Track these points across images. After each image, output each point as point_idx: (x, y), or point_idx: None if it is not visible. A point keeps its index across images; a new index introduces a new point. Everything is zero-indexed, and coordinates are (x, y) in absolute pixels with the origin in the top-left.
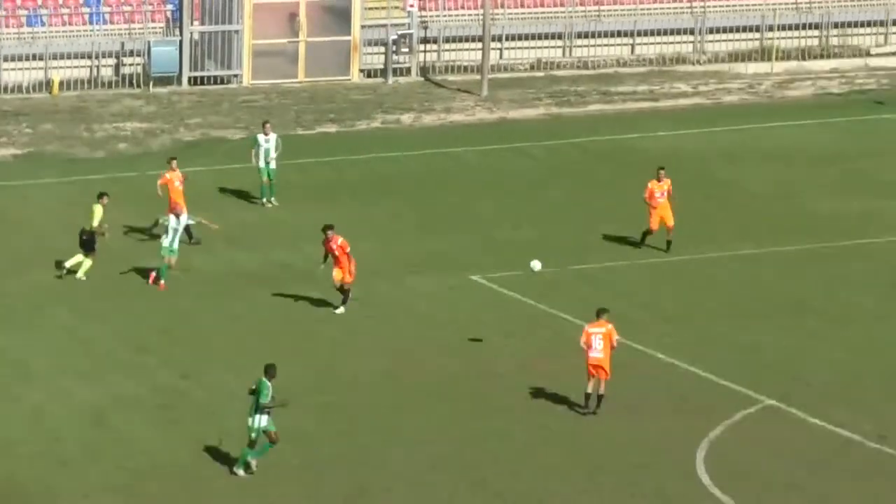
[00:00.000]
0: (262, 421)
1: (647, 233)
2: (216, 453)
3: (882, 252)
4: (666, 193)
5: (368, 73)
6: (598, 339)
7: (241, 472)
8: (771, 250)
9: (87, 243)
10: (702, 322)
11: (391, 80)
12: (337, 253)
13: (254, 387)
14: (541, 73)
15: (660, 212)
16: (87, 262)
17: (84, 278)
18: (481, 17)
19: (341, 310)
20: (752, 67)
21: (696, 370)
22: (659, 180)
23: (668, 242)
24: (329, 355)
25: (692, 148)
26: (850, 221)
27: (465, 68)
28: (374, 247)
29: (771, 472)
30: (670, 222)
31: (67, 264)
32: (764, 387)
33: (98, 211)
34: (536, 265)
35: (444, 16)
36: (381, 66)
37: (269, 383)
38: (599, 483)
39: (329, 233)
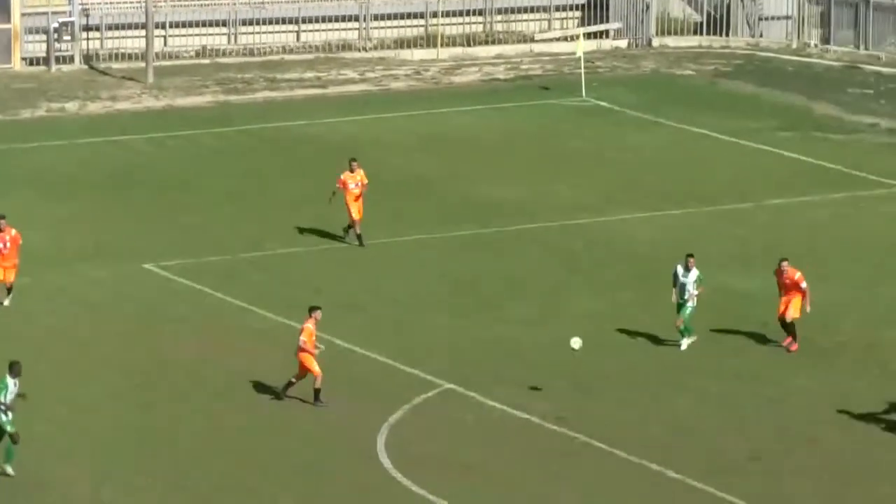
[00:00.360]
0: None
1: (351, 225)
2: None
3: (551, 235)
4: (360, 184)
5: (31, 62)
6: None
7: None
8: (442, 236)
9: None
10: (377, 307)
11: (54, 68)
12: (9, 245)
13: None
14: (207, 61)
15: (352, 202)
16: None
17: None
18: (144, 4)
19: (6, 302)
20: (419, 54)
21: (373, 355)
22: (352, 171)
23: (357, 234)
24: (2, 346)
25: (361, 134)
26: (520, 206)
27: (130, 56)
28: (43, 236)
29: (450, 454)
30: (359, 214)
31: None
32: (441, 370)
33: None
34: (577, 342)
35: (106, 3)
36: (44, 55)
37: (8, 381)
38: (278, 470)
39: (1, 223)
